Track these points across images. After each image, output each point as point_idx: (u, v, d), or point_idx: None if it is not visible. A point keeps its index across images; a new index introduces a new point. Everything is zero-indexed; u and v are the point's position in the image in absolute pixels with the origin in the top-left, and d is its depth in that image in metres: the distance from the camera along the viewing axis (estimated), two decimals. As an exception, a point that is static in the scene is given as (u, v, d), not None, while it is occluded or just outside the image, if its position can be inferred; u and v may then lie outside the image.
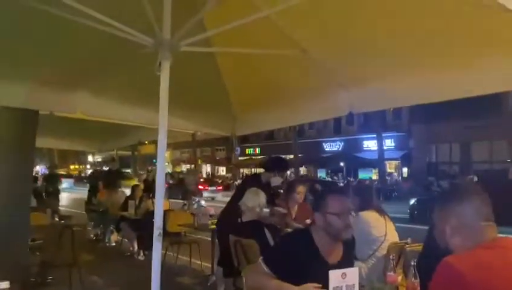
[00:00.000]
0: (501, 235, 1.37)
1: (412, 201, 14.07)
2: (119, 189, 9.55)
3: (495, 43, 2.23)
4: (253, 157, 37.66)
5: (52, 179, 12.49)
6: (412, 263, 1.77)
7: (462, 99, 2.69)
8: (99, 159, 53.46)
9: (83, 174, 46.65)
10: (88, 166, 54.61)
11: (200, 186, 24.61)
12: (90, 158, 53.27)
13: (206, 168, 43.94)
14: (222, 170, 41.65)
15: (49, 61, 3.00)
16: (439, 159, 26.53)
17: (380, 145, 25.02)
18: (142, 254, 7.37)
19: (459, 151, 25.11)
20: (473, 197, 1.38)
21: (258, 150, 38.14)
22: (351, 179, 26.86)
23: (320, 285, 1.86)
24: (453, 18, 2.16)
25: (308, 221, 3.99)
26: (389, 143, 27.67)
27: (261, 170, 4.68)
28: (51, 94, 3.36)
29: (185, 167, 41.16)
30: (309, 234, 2.14)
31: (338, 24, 2.66)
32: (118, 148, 31.14)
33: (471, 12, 1.92)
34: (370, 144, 28.50)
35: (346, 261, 2.14)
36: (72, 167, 54.27)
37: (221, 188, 27.73)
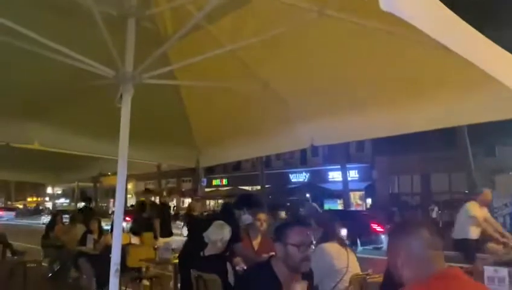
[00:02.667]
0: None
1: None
2: (78, 224, 9.18)
3: (437, 82, 2.38)
4: (220, 188, 37.32)
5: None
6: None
7: (421, 132, 2.83)
8: (59, 191, 51.36)
9: (41, 207, 44.56)
10: (47, 198, 52.31)
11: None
12: (49, 190, 51.09)
13: (172, 200, 43.07)
14: (188, 202, 40.93)
15: (4, 91, 2.92)
16: (401, 190, 27.25)
17: (345, 176, 25.49)
18: (101, 291, 7.04)
19: (420, 182, 25.94)
20: (419, 229, 1.43)
21: (225, 181, 37.87)
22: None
23: None
24: (400, 58, 2.30)
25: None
26: (353, 174, 28.20)
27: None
28: (7, 125, 3.27)
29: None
30: (270, 267, 2.13)
31: (298, 60, 2.77)
32: (79, 180, 30.14)
33: (417, 53, 2.05)
34: (335, 175, 28.94)
35: None
36: (29, 199, 51.84)
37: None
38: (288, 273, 2.09)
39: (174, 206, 39.86)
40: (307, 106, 3.22)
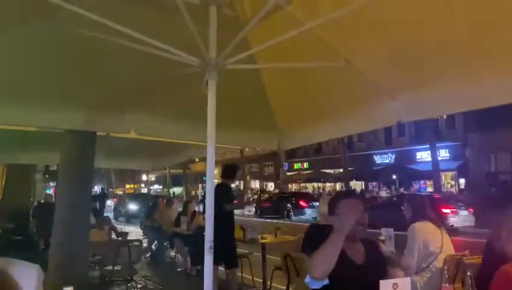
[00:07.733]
0: None
1: None
2: (173, 205, 9.84)
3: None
4: (302, 172, 37.38)
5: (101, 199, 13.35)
6: (469, 274, 1.69)
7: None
8: (153, 178, 55.20)
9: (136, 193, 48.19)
10: (142, 185, 56.49)
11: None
12: (144, 177, 55.15)
13: (255, 184, 44.14)
14: (271, 186, 41.67)
15: (102, 86, 3.20)
16: (499, 169, 24.97)
17: (434, 155, 23.97)
18: (195, 269, 7.50)
19: (521, 160, 23.54)
20: None
21: (306, 165, 37.84)
22: (405, 192, 25.90)
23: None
24: (493, 23, 2.10)
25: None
26: (443, 153, 26.47)
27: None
28: (107, 116, 3.58)
29: (233, 183, 41.47)
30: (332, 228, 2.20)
31: (381, 34, 2.65)
32: (170, 167, 32.06)
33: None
34: (423, 155, 27.39)
35: (371, 262, 2.18)
36: (127, 186, 56.33)
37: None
38: (347, 242, 2.14)
39: (257, 190, 40.60)
40: (391, 81, 3.08)
